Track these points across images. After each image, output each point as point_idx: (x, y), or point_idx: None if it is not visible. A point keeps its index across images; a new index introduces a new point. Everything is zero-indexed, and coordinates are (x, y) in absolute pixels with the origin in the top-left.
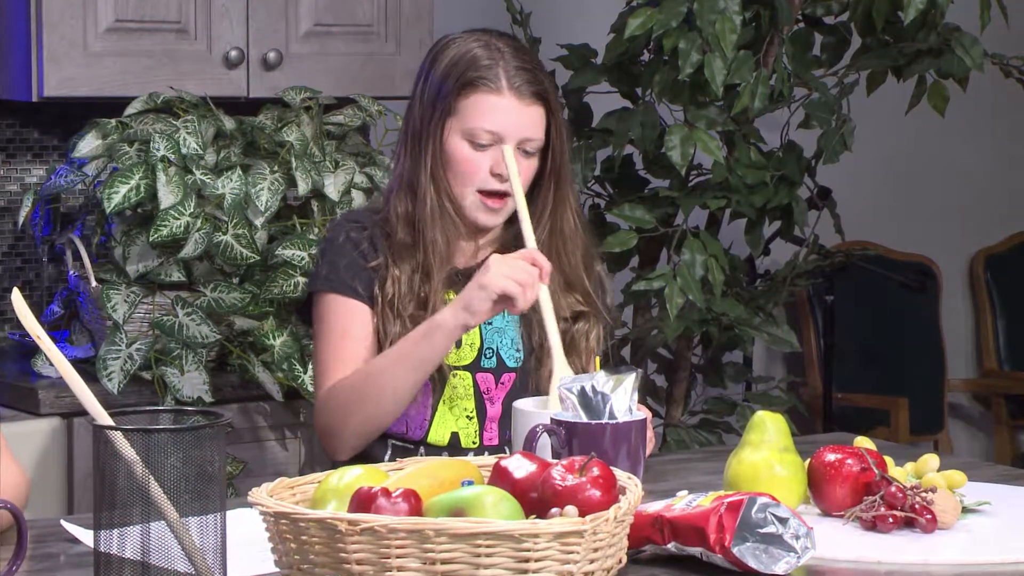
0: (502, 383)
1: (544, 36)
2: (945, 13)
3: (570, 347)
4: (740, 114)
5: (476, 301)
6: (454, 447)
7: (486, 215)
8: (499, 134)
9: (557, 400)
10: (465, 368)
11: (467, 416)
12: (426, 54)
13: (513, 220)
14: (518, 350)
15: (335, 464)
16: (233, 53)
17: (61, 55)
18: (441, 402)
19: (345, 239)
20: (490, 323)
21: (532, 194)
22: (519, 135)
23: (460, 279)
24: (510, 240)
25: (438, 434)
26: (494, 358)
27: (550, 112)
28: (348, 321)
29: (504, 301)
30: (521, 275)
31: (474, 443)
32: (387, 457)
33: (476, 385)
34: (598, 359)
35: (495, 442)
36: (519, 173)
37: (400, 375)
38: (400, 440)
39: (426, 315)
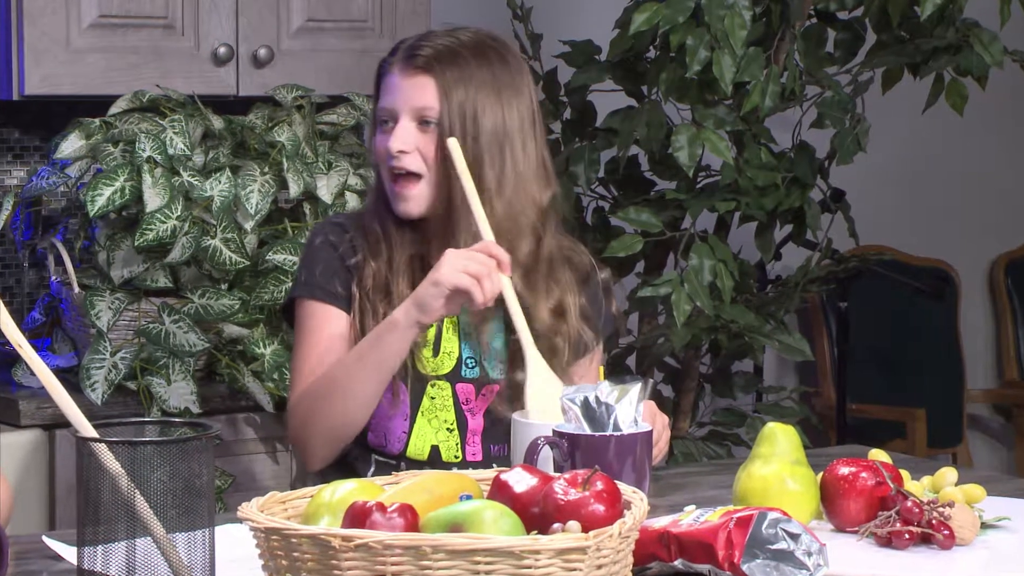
0: (483, 395)
1: (546, 32)
2: (963, 8)
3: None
4: (750, 113)
5: (429, 298)
6: (434, 462)
7: (395, 201)
8: (390, 109)
9: (535, 405)
10: (444, 377)
11: (447, 428)
12: None
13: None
14: (502, 361)
15: (326, 478)
16: (222, 50)
17: (43, 52)
18: (419, 413)
19: (323, 242)
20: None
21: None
22: (407, 106)
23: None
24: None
25: (417, 447)
26: (476, 368)
27: (437, 80)
28: (323, 329)
29: (460, 296)
30: (475, 267)
31: (456, 457)
32: (371, 473)
33: (455, 396)
34: (602, 368)
35: (479, 457)
36: (422, 146)
37: (360, 378)
38: (381, 455)
39: (391, 309)
